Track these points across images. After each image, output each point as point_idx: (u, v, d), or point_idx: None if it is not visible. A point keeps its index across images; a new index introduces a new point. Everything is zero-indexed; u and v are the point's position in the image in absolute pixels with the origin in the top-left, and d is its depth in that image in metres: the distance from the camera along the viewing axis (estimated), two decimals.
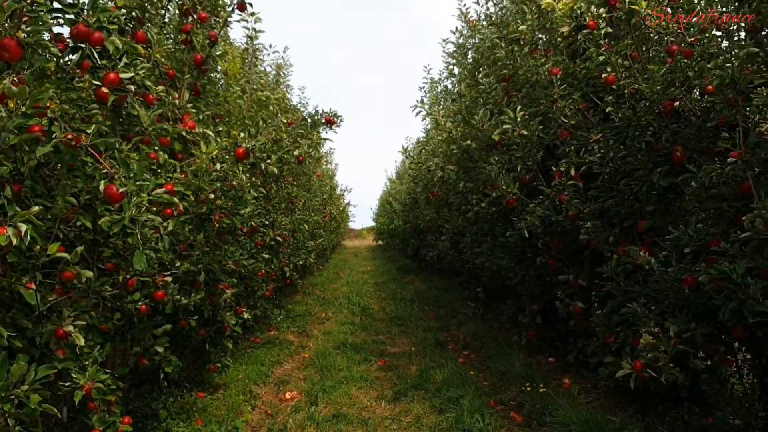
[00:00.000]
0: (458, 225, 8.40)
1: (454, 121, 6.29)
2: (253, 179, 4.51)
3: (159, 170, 3.63)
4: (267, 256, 7.29)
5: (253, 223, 5.12)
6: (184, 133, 3.84)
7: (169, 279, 3.81)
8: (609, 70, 3.88)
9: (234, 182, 3.99)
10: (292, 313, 10.01)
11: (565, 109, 4.29)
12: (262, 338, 7.99)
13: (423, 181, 12.10)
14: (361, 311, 10.50)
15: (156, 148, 3.72)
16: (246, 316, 6.38)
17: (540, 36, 4.78)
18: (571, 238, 5.17)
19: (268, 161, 4.91)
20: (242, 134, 3.72)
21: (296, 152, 5.75)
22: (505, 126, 4.38)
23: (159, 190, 2.42)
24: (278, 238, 7.68)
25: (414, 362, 6.82)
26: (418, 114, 6.62)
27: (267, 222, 7.28)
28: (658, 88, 3.65)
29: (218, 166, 3.86)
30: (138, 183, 2.30)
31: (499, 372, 6.14)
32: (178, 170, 3.59)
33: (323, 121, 6.12)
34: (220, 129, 4.05)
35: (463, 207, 6.61)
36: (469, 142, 6.02)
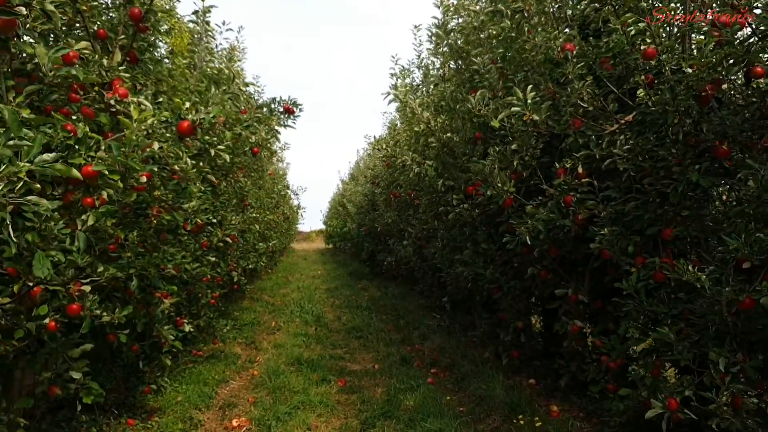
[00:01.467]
0: (428, 228, 7.66)
1: (434, 111, 5.55)
2: (201, 164, 3.67)
3: (77, 146, 2.78)
4: (213, 258, 6.43)
5: (198, 221, 4.26)
6: (113, 102, 2.98)
7: (87, 288, 2.93)
8: (648, 41, 3.21)
9: (176, 167, 3.14)
10: (239, 322, 9.11)
11: (583, 92, 3.59)
12: (205, 351, 7.09)
13: (385, 180, 11.36)
14: (315, 320, 9.67)
15: (74, 118, 2.88)
16: (187, 328, 5.52)
17: (545, 7, 4.06)
18: (570, 246, 4.49)
19: (219, 147, 4.09)
20: (187, 104, 2.88)
21: (252, 138, 4.93)
22: (513, 109, 3.65)
23: (46, 157, 1.57)
24: (227, 239, 6.81)
25: (379, 383, 6.04)
26: (390, 102, 5.90)
27: (215, 220, 6.41)
28: (707, 64, 2.98)
29: (156, 145, 3.02)
30: (11, 143, 1.46)
31: (477, 396, 5.42)
32: (103, 148, 2.74)
33: (281, 109, 5.33)
34: (161, 100, 3.21)
35: (441, 208, 5.87)
36: (449, 134, 5.29)
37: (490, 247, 5.32)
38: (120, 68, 3.12)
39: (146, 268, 4.13)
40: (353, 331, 8.79)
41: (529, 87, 3.66)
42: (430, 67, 6.54)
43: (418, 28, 7.19)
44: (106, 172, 2.67)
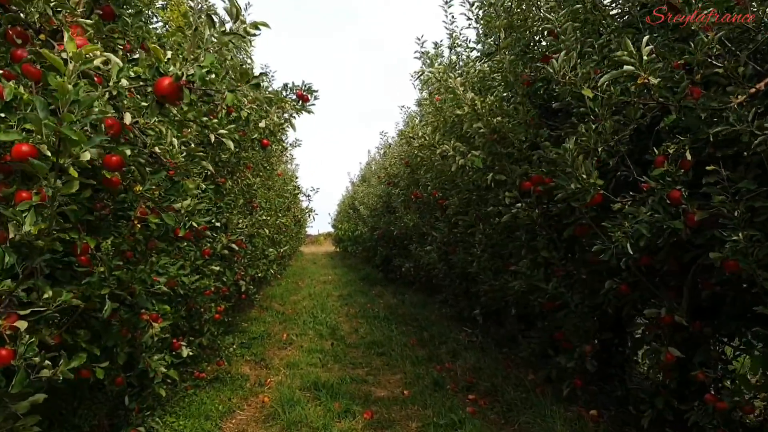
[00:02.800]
0: (457, 232, 6.72)
1: (482, 88, 4.61)
2: (193, 145, 2.74)
3: (3, 114, 1.87)
4: (217, 268, 5.50)
5: (194, 224, 3.34)
6: (65, 56, 2.07)
7: (22, 325, 2.00)
8: None
9: (157, 150, 2.23)
10: (248, 335, 8.22)
11: (713, 48, 2.66)
12: (208, 372, 6.17)
13: (404, 180, 10.45)
14: (330, 333, 8.75)
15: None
16: (185, 353, 4.61)
17: None
18: (665, 254, 3.55)
19: (221, 131, 3.18)
20: (168, 53, 1.97)
21: (262, 124, 4.04)
22: (626, 68, 2.71)
23: None
24: (233, 245, 5.89)
25: (411, 414, 5.10)
26: (426, 82, 5.00)
27: (218, 224, 5.50)
28: None
29: (128, 117, 2.11)
30: None
31: None
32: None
33: (293, 97, 4.44)
34: (136, 56, 2.31)
35: (491, 208, 4.92)
36: (499, 118, 4.36)
37: (552, 255, 4.37)
38: (79, 10, 2.23)
39: (129, 284, 3.24)
40: (373, 346, 7.86)
41: (645, 38, 2.72)
42: (480, 37, 5.56)
43: (449, 3, 6.28)
44: (48, 153, 1.77)
